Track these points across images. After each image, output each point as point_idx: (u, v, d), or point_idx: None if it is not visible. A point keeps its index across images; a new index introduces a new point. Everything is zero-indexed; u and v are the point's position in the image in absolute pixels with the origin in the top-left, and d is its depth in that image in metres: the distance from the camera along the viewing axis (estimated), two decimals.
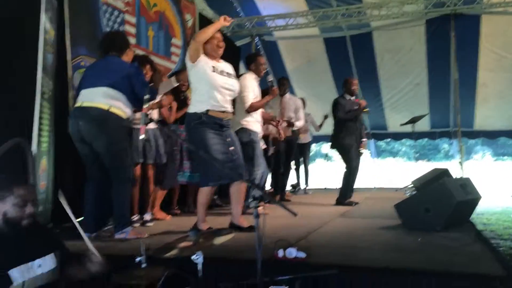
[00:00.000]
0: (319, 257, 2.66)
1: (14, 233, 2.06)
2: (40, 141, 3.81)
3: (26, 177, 2.13)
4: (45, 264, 2.15)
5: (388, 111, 10.35)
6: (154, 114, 4.59)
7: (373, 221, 4.41)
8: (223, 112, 3.76)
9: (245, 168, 3.95)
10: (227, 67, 3.90)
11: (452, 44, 8.32)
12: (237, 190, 3.78)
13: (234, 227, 3.71)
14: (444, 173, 5.72)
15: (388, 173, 15.71)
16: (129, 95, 3.61)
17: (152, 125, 4.50)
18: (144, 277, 2.38)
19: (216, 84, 3.69)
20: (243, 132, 4.78)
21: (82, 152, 3.68)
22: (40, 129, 3.78)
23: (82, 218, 3.93)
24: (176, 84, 4.72)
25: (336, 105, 5.94)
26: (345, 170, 5.90)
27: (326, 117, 8.46)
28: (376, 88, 9.81)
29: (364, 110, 5.94)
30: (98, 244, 3.34)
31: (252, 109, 4.77)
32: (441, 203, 3.57)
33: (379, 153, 16.68)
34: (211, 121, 3.67)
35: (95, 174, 3.72)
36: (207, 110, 3.66)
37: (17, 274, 2.00)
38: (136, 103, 3.68)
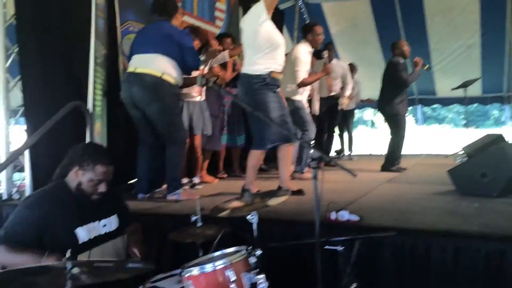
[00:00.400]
0: (372, 220, 2.64)
1: (83, 197, 2.16)
2: (95, 104, 3.92)
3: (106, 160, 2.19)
4: (110, 224, 2.25)
5: (437, 75, 9.92)
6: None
7: (424, 186, 4.32)
8: (281, 72, 3.74)
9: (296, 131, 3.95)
10: None
11: (508, 3, 7.80)
12: (285, 153, 3.78)
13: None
14: (499, 138, 5.47)
15: (435, 139, 15.27)
16: (179, 62, 3.64)
17: (199, 98, 4.54)
18: (200, 235, 2.46)
19: (279, 44, 3.64)
20: (286, 101, 4.75)
21: (135, 117, 3.78)
22: (94, 93, 3.88)
23: (135, 180, 4.08)
24: (228, 59, 4.70)
25: (396, 66, 5.55)
26: (393, 136, 5.72)
27: (369, 100, 8.24)
28: (425, 52, 9.36)
29: (425, 67, 5.63)
30: (153, 205, 3.49)
31: (302, 85, 4.74)
32: (499, 168, 3.43)
33: (425, 119, 16.21)
34: (272, 83, 3.64)
35: (148, 138, 3.82)
36: (271, 72, 3.62)
37: (83, 232, 2.11)
38: (185, 70, 3.71)
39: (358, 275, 2.35)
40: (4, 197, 3.74)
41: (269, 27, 3.59)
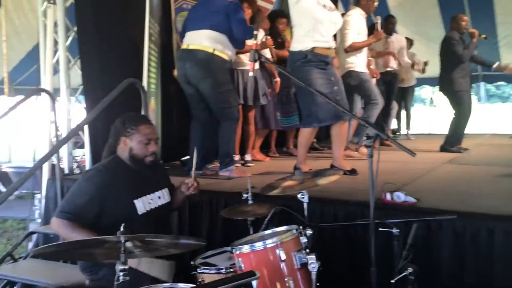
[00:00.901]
0: (430, 202, 2.51)
1: (139, 168, 2.21)
2: (149, 82, 3.98)
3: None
4: (163, 196, 2.30)
5: (503, 50, 9.27)
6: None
7: (487, 168, 4.08)
8: (328, 48, 3.60)
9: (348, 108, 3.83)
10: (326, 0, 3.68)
11: None
12: (339, 132, 3.68)
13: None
14: None
15: (499, 119, 14.41)
16: (230, 36, 3.61)
17: (251, 74, 4.50)
18: (251, 213, 2.45)
19: (321, 18, 3.51)
20: (350, 75, 4.62)
21: (188, 93, 3.81)
22: (148, 71, 3.94)
23: (188, 157, 4.14)
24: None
25: (450, 41, 5.27)
26: (456, 115, 5.41)
27: (426, 64, 7.76)
28: (491, 25, 8.77)
29: (482, 36, 5.28)
30: (205, 182, 3.53)
31: (351, 49, 4.55)
32: None
33: (488, 97, 15.31)
34: (316, 59, 3.53)
35: (200, 115, 3.85)
36: (313, 48, 3.51)
37: (140, 204, 2.17)
38: (236, 44, 3.68)
39: (414, 259, 2.28)
40: (66, 171, 3.92)
41: (309, 2, 3.47)
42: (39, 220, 3.88)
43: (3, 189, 7.39)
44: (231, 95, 3.75)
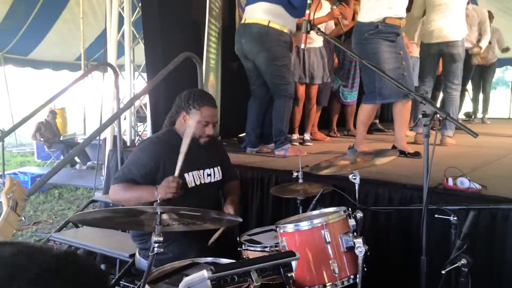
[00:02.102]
0: (497, 190, 2.29)
1: (193, 144, 2.21)
2: (209, 57, 3.98)
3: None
4: (213, 174, 2.29)
5: None
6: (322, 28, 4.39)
7: None
8: (400, 18, 3.34)
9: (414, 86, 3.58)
10: None
11: None
12: (401, 110, 3.43)
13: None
14: None
15: None
16: (287, 6, 3.48)
17: (317, 44, 4.35)
18: (301, 191, 2.38)
19: None
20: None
21: (247, 68, 3.76)
22: (208, 45, 3.93)
23: (244, 134, 4.12)
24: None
25: None
26: None
27: (507, 49, 7.08)
28: None
29: None
30: (260, 159, 3.50)
31: None
32: None
33: None
34: (387, 30, 3.30)
35: (258, 91, 3.79)
36: (385, 18, 3.28)
37: (189, 178, 2.18)
38: (294, 12, 3.54)
39: (475, 251, 2.10)
40: (128, 143, 4.06)
41: None
42: None
43: (77, 159, 7.89)
44: (287, 70, 3.64)
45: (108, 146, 3.94)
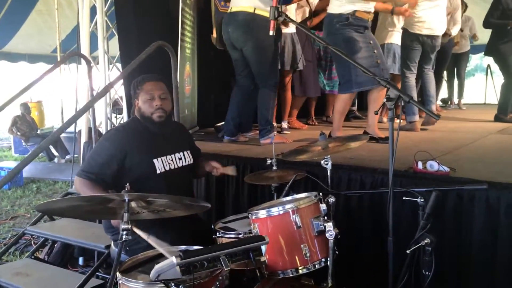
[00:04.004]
0: (466, 172, 2.35)
1: (158, 129, 2.21)
2: (183, 46, 3.95)
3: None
4: (184, 158, 2.29)
5: None
6: (292, 15, 4.38)
7: None
8: (369, 12, 3.46)
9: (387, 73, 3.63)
10: None
11: None
12: (376, 97, 3.50)
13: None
14: None
15: None
16: None
17: (290, 29, 4.34)
18: (275, 178, 2.40)
19: None
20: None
21: (234, 57, 3.73)
22: (182, 35, 3.90)
23: (222, 123, 4.12)
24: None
25: (493, 4, 5.00)
26: (505, 80, 5.08)
27: (475, 37, 7.21)
28: None
29: None
30: (235, 147, 3.51)
31: None
32: None
33: None
34: (357, 23, 3.39)
35: (243, 81, 3.77)
36: (355, 11, 3.36)
37: (159, 163, 2.18)
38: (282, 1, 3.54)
39: (444, 232, 2.16)
40: None
41: None
42: None
43: (55, 153, 7.79)
44: (274, 59, 3.62)
45: (84, 138, 3.90)
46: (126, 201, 1.46)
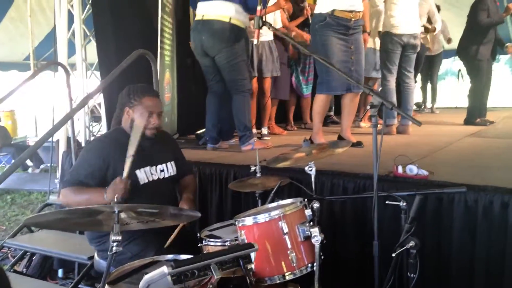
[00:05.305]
0: (444, 175, 2.42)
1: (146, 142, 2.20)
2: (163, 54, 3.94)
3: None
4: (167, 169, 2.29)
5: None
6: (271, 21, 4.44)
7: (511, 141, 3.91)
8: (351, 12, 3.38)
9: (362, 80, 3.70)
10: None
11: None
12: (350, 102, 3.60)
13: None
14: None
15: None
16: (243, 4, 3.52)
17: (267, 37, 4.40)
18: (259, 185, 2.42)
19: None
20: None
21: (204, 64, 3.75)
22: (162, 42, 3.89)
23: (203, 130, 4.12)
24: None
25: (478, 5, 5.04)
26: (473, 84, 5.23)
27: (433, 29, 7.38)
28: None
29: None
30: (218, 155, 3.52)
31: None
32: None
33: None
34: (336, 23, 3.36)
35: (216, 87, 3.80)
36: (333, 10, 3.34)
37: (142, 175, 2.17)
38: (249, 11, 3.59)
39: (418, 234, 2.21)
40: (82, 144, 3.97)
41: None
42: None
43: (29, 163, 7.62)
44: (245, 66, 3.68)
45: (62, 147, 3.84)
46: (116, 212, 1.46)
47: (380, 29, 4.68)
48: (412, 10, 4.35)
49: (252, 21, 4.06)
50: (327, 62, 2.13)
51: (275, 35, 4.48)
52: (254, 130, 4.59)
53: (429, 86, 7.72)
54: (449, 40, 7.38)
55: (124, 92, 2.26)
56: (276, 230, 1.90)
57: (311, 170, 2.21)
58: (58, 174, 4.10)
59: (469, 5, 5.40)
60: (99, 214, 1.51)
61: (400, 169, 2.42)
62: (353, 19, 3.41)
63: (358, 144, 3.52)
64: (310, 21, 4.24)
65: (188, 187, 2.38)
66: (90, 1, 4.03)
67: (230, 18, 3.49)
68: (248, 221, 1.94)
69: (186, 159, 2.53)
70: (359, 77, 3.49)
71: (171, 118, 4.40)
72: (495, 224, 2.03)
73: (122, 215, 1.50)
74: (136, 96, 2.18)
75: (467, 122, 5.21)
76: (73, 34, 4.07)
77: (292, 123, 5.44)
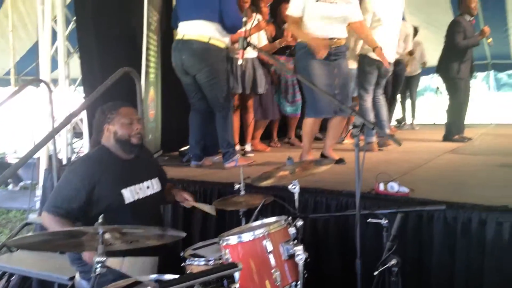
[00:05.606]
0: (424, 192, 2.48)
1: (126, 157, 2.20)
2: (148, 71, 3.96)
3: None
4: (152, 186, 2.29)
5: None
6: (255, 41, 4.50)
7: (489, 158, 4.02)
8: (332, 39, 3.48)
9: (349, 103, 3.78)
10: None
11: None
12: (336, 124, 3.71)
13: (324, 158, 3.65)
14: None
15: (510, 108, 14.17)
16: (223, 24, 3.57)
17: (251, 54, 4.45)
18: (243, 203, 2.44)
19: (314, 15, 3.43)
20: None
21: (185, 83, 3.79)
22: (147, 60, 3.91)
23: (187, 147, 4.12)
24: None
25: (453, 26, 5.21)
26: (451, 101, 5.37)
27: (411, 53, 7.55)
28: (500, 12, 8.57)
29: (488, 41, 5.17)
30: (201, 172, 3.52)
31: None
32: None
33: (499, 86, 15.03)
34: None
35: (198, 104, 3.83)
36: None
37: (128, 193, 2.16)
38: (228, 31, 3.64)
39: (406, 251, 2.25)
40: (64, 162, 3.93)
41: None
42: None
43: (9, 180, 7.47)
44: (226, 84, 3.74)
45: (43, 165, 3.79)
46: (100, 233, 1.46)
47: (358, 51, 4.77)
48: (392, 38, 4.49)
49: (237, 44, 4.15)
50: (310, 81, 2.17)
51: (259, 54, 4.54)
52: (238, 147, 4.62)
53: (408, 102, 7.90)
54: (423, 64, 7.63)
55: (97, 114, 2.26)
56: (261, 249, 1.91)
57: (294, 188, 2.23)
58: (38, 192, 4.04)
59: (446, 24, 5.56)
60: (83, 235, 1.50)
61: (381, 187, 2.47)
62: (333, 46, 3.49)
63: (341, 161, 3.58)
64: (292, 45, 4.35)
65: (173, 185, 2.52)
66: (74, 18, 4.03)
67: (209, 38, 3.55)
68: (233, 240, 1.94)
69: (166, 174, 2.55)
70: (344, 100, 3.53)
71: (155, 135, 4.40)
72: (473, 241, 2.08)
73: (106, 235, 1.49)
74: (112, 110, 2.20)
75: (446, 138, 5.33)
76: (56, 50, 4.05)
77: (276, 139, 5.48)
